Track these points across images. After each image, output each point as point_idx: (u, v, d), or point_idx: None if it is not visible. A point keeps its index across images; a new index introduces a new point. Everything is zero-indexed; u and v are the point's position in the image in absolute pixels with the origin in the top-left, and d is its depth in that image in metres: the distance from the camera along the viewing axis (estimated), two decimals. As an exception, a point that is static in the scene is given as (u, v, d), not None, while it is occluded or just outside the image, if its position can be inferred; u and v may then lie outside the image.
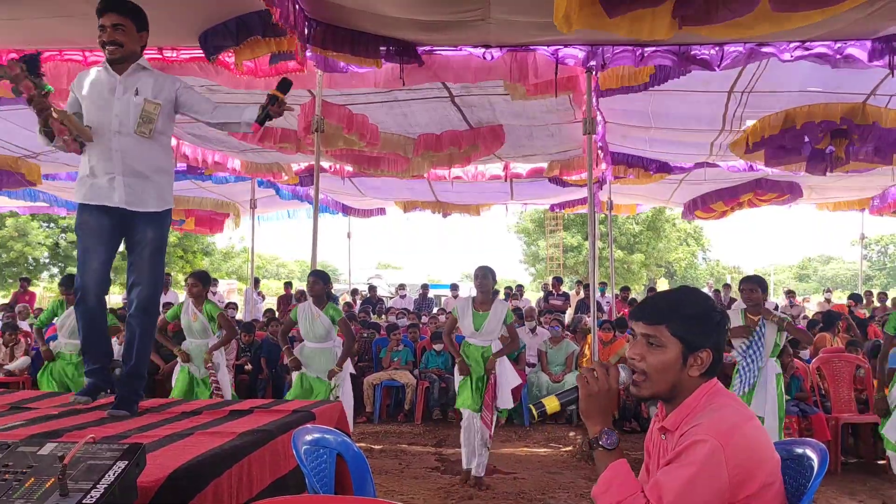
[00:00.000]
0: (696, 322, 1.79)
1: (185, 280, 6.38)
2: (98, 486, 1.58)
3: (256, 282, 15.37)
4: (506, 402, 5.68)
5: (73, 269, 26.94)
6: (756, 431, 1.71)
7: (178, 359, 6.03)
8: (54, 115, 3.14)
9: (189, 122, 8.33)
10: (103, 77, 3.31)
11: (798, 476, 2.04)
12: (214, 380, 5.83)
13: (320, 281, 5.79)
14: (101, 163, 3.25)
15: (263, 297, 16.80)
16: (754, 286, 5.10)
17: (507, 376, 5.69)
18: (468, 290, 26.07)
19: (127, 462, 1.67)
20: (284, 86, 3.31)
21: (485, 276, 5.56)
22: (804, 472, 2.00)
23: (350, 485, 2.58)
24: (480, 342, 5.56)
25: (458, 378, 5.65)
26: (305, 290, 5.98)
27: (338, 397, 5.54)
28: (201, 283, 6.03)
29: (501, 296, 16.84)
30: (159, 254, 3.34)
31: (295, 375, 5.75)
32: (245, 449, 2.55)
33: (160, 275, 3.38)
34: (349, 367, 5.94)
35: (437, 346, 8.66)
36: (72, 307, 6.15)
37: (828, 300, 15.89)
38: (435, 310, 15.12)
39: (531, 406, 1.92)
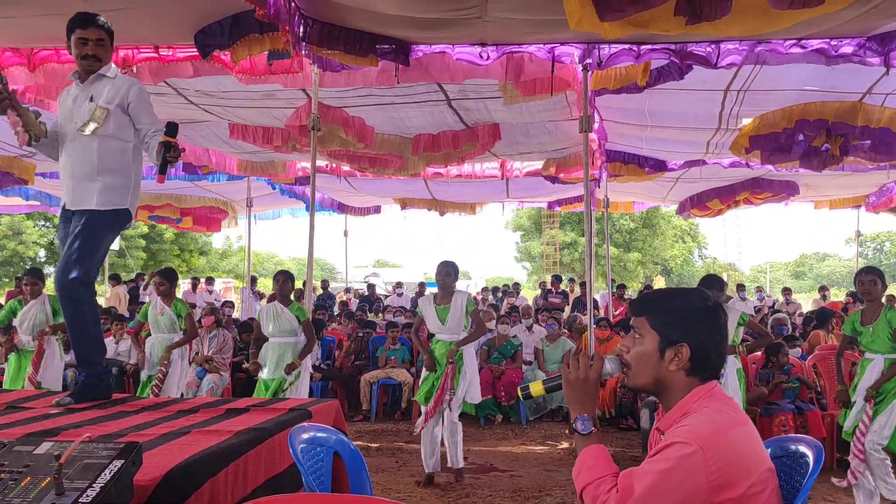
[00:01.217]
0: (674, 315, 1.80)
1: (152, 279, 6.46)
2: (94, 484, 1.58)
3: (254, 280, 15.36)
4: (473, 396, 5.65)
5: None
6: (745, 437, 1.70)
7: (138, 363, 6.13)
8: (13, 105, 3.29)
9: (183, 123, 8.33)
10: (73, 89, 3.49)
11: (793, 473, 2.05)
12: (161, 375, 5.82)
13: (290, 281, 5.98)
14: (63, 169, 3.46)
15: (262, 296, 16.71)
16: (715, 293, 5.14)
17: (474, 372, 5.65)
18: (465, 288, 26.03)
19: (123, 461, 1.67)
20: (172, 130, 3.32)
21: (447, 274, 5.58)
22: (799, 470, 2.01)
23: (347, 483, 2.59)
24: (448, 337, 5.54)
25: (423, 374, 5.69)
26: (273, 288, 6.09)
27: (285, 391, 5.59)
28: (168, 281, 6.13)
29: (498, 294, 16.85)
30: (78, 239, 3.30)
31: (259, 381, 5.84)
32: (241, 447, 2.55)
33: (77, 259, 3.30)
34: (308, 365, 5.95)
35: (434, 345, 8.67)
36: (31, 302, 6.17)
37: (824, 297, 15.92)
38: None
39: (518, 388, 1.97)
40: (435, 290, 5.79)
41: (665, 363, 1.78)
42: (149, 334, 6.19)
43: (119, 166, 3.41)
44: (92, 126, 3.31)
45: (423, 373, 5.69)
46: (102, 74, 3.44)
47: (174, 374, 5.94)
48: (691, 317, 1.80)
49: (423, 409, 5.60)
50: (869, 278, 4.76)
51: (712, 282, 5.24)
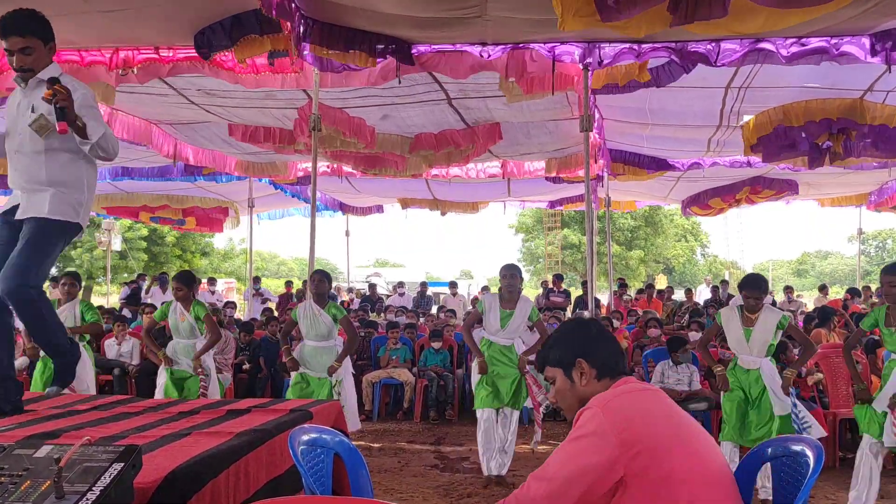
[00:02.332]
0: (558, 347, 2.08)
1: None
2: (94, 488, 1.58)
3: (257, 279, 15.35)
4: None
5: (70, 268, 26.80)
6: (648, 396, 1.87)
7: (162, 364, 5.94)
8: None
9: (184, 124, 8.34)
10: (18, 95, 3.28)
11: (794, 473, 2.05)
12: (203, 385, 5.75)
13: (326, 280, 5.80)
14: (11, 180, 3.30)
15: (268, 295, 16.55)
16: (759, 294, 4.85)
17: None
18: (467, 287, 26.01)
19: (123, 464, 1.68)
20: (53, 81, 3.06)
21: (512, 277, 5.48)
22: (800, 469, 2.01)
23: (348, 484, 2.59)
24: (504, 340, 5.47)
25: (474, 378, 5.59)
26: (309, 288, 5.88)
27: (339, 394, 5.54)
28: (185, 286, 5.97)
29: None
30: (28, 247, 3.15)
31: (293, 375, 5.71)
32: (242, 449, 2.55)
33: (29, 265, 3.16)
34: (349, 366, 5.90)
35: (436, 344, 8.67)
36: (64, 306, 6.05)
37: (825, 295, 15.90)
38: (434, 308, 15.10)
39: None
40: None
41: (577, 384, 2.01)
42: (170, 337, 6.13)
43: (72, 179, 3.23)
44: (36, 138, 3.12)
45: (474, 377, 5.58)
46: (41, 80, 3.16)
47: (214, 382, 5.86)
48: (569, 338, 2.08)
49: (479, 413, 5.47)
50: (887, 279, 4.42)
51: (759, 282, 4.95)
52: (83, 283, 8.48)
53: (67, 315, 6.03)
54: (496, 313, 5.50)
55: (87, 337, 6.29)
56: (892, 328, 4.46)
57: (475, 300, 12.86)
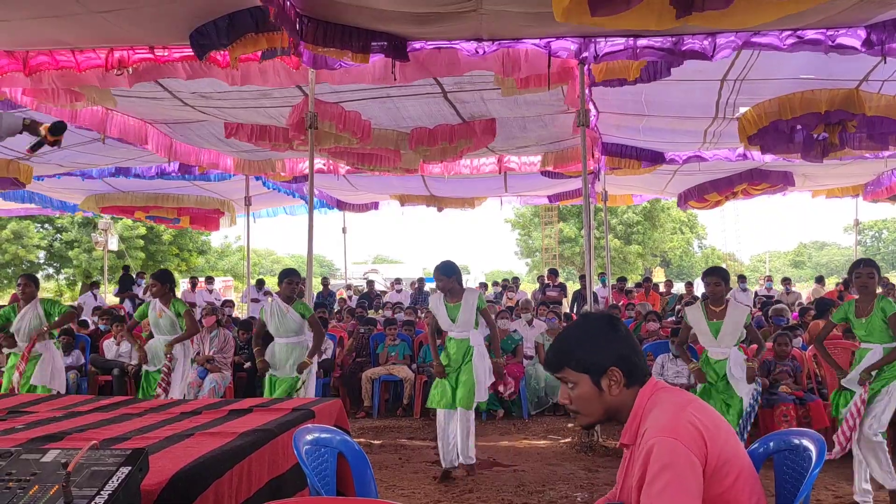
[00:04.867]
0: (586, 349, 1.89)
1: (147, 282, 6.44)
2: (102, 492, 1.59)
3: (261, 283, 15.41)
4: (481, 395, 5.59)
5: (68, 271, 26.53)
6: (697, 412, 1.78)
7: (139, 359, 6.11)
8: None
9: (180, 123, 8.32)
10: None
11: (796, 466, 2.07)
12: (165, 373, 5.81)
13: (299, 280, 5.87)
14: None
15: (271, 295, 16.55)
16: (717, 279, 5.10)
17: (483, 371, 5.57)
18: (466, 282, 25.96)
19: (130, 468, 1.68)
20: (58, 129, 3.21)
21: (440, 279, 5.52)
22: (802, 463, 2.03)
23: (351, 483, 2.60)
24: (460, 334, 5.50)
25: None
26: (283, 289, 5.85)
27: (299, 390, 5.57)
28: (160, 283, 6.09)
29: (490, 290, 16.81)
30: None
31: (265, 379, 5.79)
32: (245, 449, 2.56)
33: None
34: (315, 366, 5.90)
35: (435, 341, 8.67)
36: (24, 309, 6.08)
37: (822, 286, 15.93)
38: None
39: None
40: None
41: (606, 392, 1.87)
42: (151, 335, 6.18)
43: None
44: None
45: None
46: None
47: (178, 371, 5.90)
48: (600, 341, 1.89)
49: (438, 412, 5.56)
50: (867, 271, 4.69)
51: (718, 269, 5.27)
52: (79, 283, 8.50)
53: (31, 317, 6.07)
54: (443, 310, 5.56)
55: (56, 333, 6.36)
56: (862, 318, 4.74)
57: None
